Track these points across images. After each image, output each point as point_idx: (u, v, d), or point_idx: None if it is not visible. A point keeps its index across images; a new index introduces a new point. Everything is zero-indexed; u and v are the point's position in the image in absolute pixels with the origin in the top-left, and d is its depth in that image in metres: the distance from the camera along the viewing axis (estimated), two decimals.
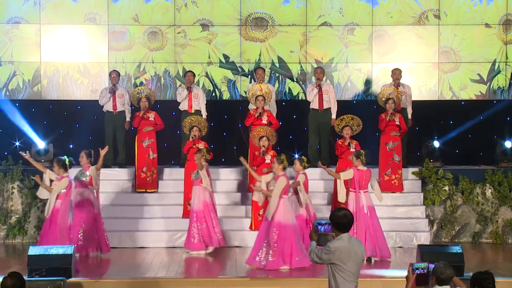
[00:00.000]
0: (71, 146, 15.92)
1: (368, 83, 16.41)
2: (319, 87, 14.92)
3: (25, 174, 14.31)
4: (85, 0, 16.19)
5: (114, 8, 16.25)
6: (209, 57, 16.38)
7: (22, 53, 16.19)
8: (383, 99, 14.37)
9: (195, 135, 13.44)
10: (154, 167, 14.18)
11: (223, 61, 16.39)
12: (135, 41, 16.32)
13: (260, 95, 14.09)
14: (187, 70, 15.62)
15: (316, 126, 15.04)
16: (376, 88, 16.26)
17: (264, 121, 14.00)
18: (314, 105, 15.01)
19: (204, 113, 14.94)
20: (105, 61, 16.28)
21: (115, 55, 16.29)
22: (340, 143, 13.58)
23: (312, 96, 14.96)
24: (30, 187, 14.23)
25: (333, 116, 14.90)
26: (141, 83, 16.27)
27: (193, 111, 14.87)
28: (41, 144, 15.12)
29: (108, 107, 15.01)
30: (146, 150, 14.16)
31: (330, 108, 15.01)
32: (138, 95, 14.45)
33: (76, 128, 16.00)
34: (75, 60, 16.27)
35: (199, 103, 14.99)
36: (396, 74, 15.10)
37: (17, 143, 15.62)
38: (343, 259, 6.82)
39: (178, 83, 16.16)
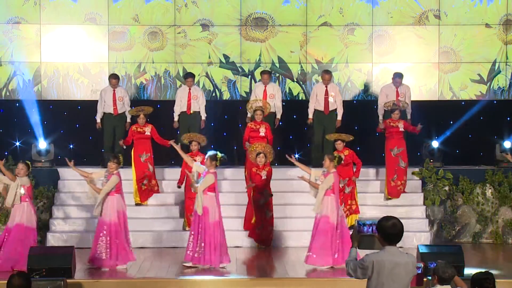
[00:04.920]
0: (71, 146, 15.92)
1: (367, 87, 16.37)
2: (326, 88, 14.92)
3: None
4: (85, 0, 16.18)
5: (114, 8, 16.25)
6: (209, 57, 16.38)
7: (22, 53, 16.18)
8: (388, 109, 14.42)
9: (194, 149, 13.35)
10: (153, 179, 14.02)
11: (223, 61, 16.38)
12: (135, 41, 16.32)
13: (258, 110, 14.03)
14: (188, 71, 15.65)
15: (321, 128, 14.98)
16: (376, 88, 16.25)
17: (262, 133, 13.93)
18: (319, 107, 15.00)
19: (204, 114, 14.94)
20: (105, 61, 16.27)
21: (115, 55, 16.28)
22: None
23: (314, 101, 14.96)
24: None
25: (339, 117, 14.91)
26: (141, 83, 16.28)
27: (191, 112, 14.86)
28: (42, 144, 15.09)
29: (109, 109, 15.00)
30: (145, 164, 13.92)
31: (335, 109, 14.98)
32: (137, 112, 14.25)
33: (76, 128, 15.99)
34: (75, 60, 16.27)
35: (199, 104, 14.97)
36: (397, 81, 15.06)
37: (17, 143, 15.62)
38: (380, 275, 6.11)
39: (178, 83, 16.15)
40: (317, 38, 16.39)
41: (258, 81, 15.43)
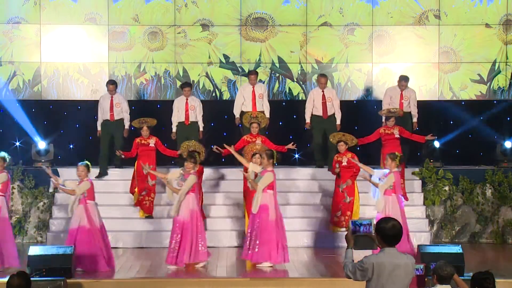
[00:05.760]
0: (71, 146, 15.92)
1: (367, 87, 16.36)
2: (323, 93, 14.83)
3: (25, 174, 14.32)
4: (85, 0, 16.18)
5: (114, 8, 16.26)
6: (209, 57, 16.38)
7: (22, 53, 16.19)
8: (383, 116, 14.28)
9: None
10: (153, 192, 13.83)
11: (223, 61, 16.39)
12: (135, 41, 16.32)
13: (254, 122, 13.69)
14: (185, 81, 15.53)
15: (321, 132, 14.86)
16: (376, 88, 16.26)
17: (258, 146, 13.69)
18: (318, 112, 14.88)
19: (201, 125, 14.77)
20: (105, 61, 16.28)
21: (115, 55, 16.29)
22: (336, 158, 13.50)
23: (311, 106, 14.85)
24: (30, 187, 14.24)
25: (338, 122, 14.81)
26: (141, 83, 16.29)
27: (189, 123, 14.69)
28: (41, 144, 15.10)
29: (106, 115, 14.85)
30: (146, 176, 13.72)
31: (333, 114, 14.86)
32: (140, 124, 14.05)
33: (76, 128, 15.99)
34: (75, 60, 16.27)
35: (196, 114, 14.77)
36: (402, 84, 14.95)
37: (17, 143, 15.62)
38: (380, 277, 6.09)
39: (178, 83, 16.15)
40: (317, 38, 16.39)
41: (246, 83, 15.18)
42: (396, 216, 11.32)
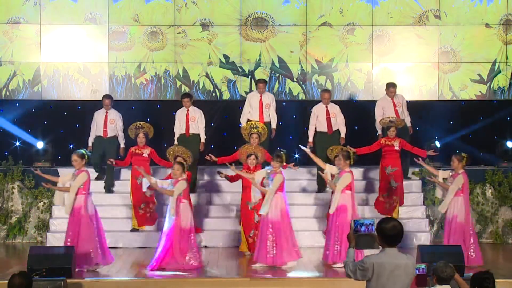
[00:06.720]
0: (71, 146, 15.91)
1: (367, 87, 16.36)
2: (327, 108, 14.59)
3: (25, 174, 14.32)
4: (85, 0, 16.19)
5: (114, 8, 16.26)
6: (209, 57, 16.39)
7: (22, 53, 16.19)
8: (384, 126, 14.11)
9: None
10: (152, 203, 13.49)
11: (223, 61, 16.39)
12: (135, 41, 16.33)
13: (254, 133, 13.18)
14: (184, 93, 15.27)
15: (326, 148, 14.40)
16: (376, 88, 16.26)
17: (252, 147, 13.40)
18: (322, 128, 14.48)
19: (203, 137, 14.37)
20: (105, 61, 16.29)
21: (115, 55, 16.29)
22: None
23: (315, 122, 14.54)
24: (30, 187, 14.24)
25: (342, 135, 14.42)
26: (141, 83, 16.29)
27: (190, 135, 14.32)
28: (39, 144, 15.11)
29: (99, 131, 14.45)
30: (141, 186, 13.25)
31: (338, 129, 14.47)
32: (136, 130, 13.57)
33: (76, 128, 16.00)
34: (75, 60, 16.28)
35: (198, 126, 14.39)
36: (391, 91, 14.72)
37: (17, 143, 15.63)
38: (381, 278, 6.08)
39: (178, 83, 16.16)
40: (317, 38, 16.40)
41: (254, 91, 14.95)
42: (462, 216, 11.39)
